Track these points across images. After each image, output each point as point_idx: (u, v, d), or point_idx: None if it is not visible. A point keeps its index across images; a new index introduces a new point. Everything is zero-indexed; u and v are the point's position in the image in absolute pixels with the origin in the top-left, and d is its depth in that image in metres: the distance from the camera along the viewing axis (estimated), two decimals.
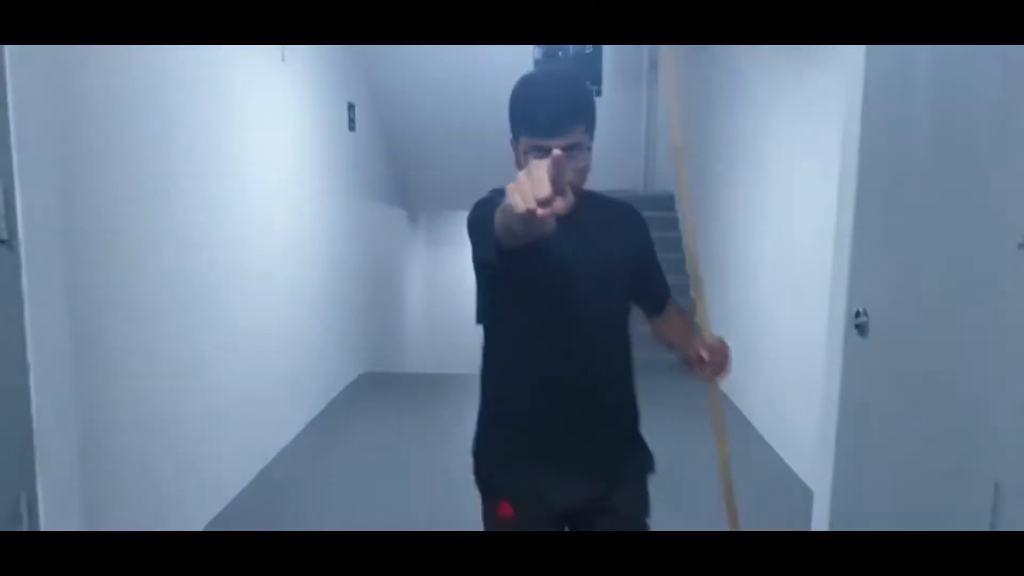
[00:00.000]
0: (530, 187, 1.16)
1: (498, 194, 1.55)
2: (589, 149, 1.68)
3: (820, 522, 2.45)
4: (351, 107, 5.83)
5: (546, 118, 1.62)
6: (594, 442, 1.83)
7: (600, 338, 1.85)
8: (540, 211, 1.15)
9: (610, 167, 9.53)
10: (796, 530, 3.00)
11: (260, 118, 4.00)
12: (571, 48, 9.39)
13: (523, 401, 1.81)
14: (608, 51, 9.22)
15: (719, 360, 1.90)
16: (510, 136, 1.72)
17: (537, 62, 8.19)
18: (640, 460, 2.00)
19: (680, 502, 3.73)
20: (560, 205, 1.15)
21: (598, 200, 1.85)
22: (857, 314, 2.17)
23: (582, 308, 1.77)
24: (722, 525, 3.40)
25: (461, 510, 3.62)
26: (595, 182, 1.78)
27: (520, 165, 1.69)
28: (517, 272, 1.65)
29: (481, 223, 1.60)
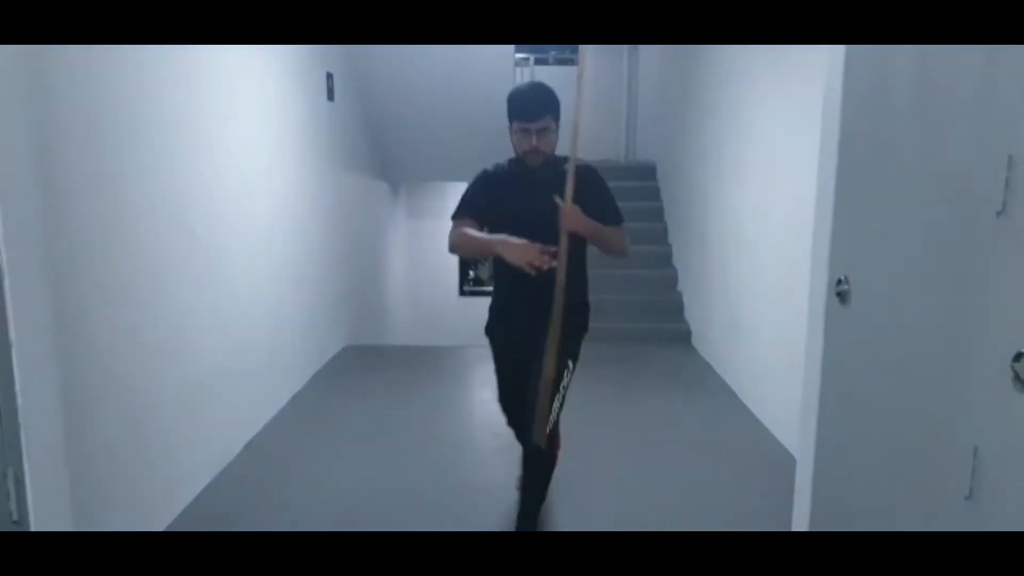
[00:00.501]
0: (524, 255, 2.44)
1: (485, 174, 2.84)
2: (556, 131, 2.67)
3: (803, 489, 2.49)
4: (330, 77, 5.78)
5: (527, 109, 2.61)
6: (541, 315, 2.61)
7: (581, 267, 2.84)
8: (530, 270, 2.46)
9: (591, 137, 9.53)
10: (779, 500, 3.04)
11: (238, 90, 3.96)
12: None
13: (503, 293, 2.94)
14: None
15: (568, 216, 2.53)
16: (507, 123, 2.66)
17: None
18: (575, 326, 2.82)
19: (650, 452, 3.78)
20: (542, 271, 2.45)
21: (562, 161, 2.62)
22: (839, 282, 2.20)
23: (540, 235, 2.52)
24: (687, 476, 3.45)
25: (447, 480, 3.66)
26: (579, 153, 2.56)
27: (512, 141, 2.69)
28: (501, 214, 2.69)
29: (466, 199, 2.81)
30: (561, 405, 2.71)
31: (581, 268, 2.85)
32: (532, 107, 2.60)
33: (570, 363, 2.74)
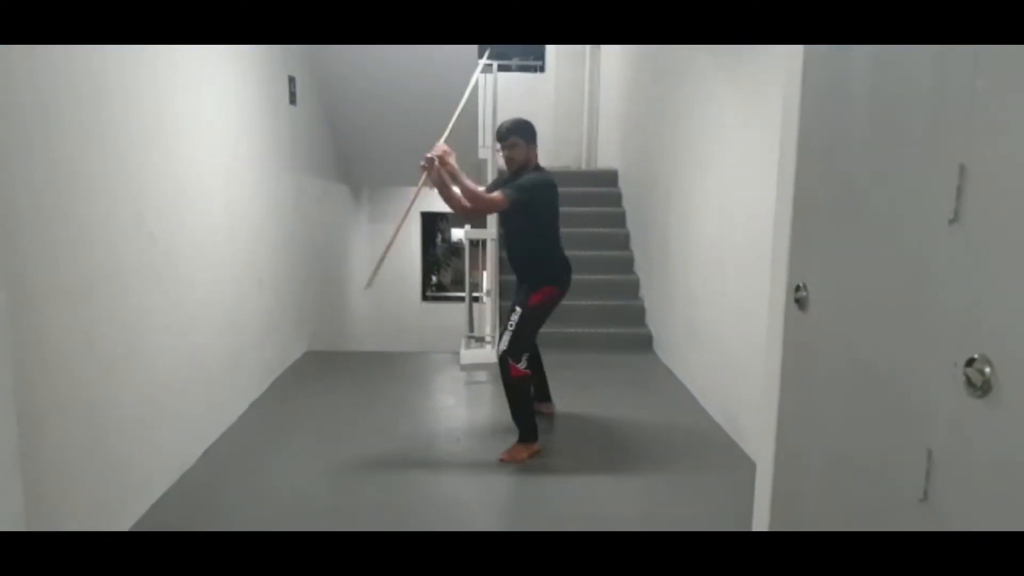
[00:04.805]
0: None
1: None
2: (523, 146, 3.96)
3: (763, 492, 2.52)
4: (292, 80, 5.74)
5: (499, 134, 3.99)
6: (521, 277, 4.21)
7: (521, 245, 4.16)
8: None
9: (554, 146, 9.57)
10: (739, 503, 3.08)
11: (198, 91, 3.91)
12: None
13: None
14: None
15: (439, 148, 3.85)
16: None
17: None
18: (531, 284, 4.10)
19: (617, 448, 3.81)
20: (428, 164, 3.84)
21: (530, 169, 4.01)
22: (797, 288, 2.23)
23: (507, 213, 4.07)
24: (652, 468, 3.49)
25: (408, 486, 3.64)
26: (542, 161, 3.31)
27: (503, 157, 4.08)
28: (552, 209, 4.07)
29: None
30: (510, 338, 3.95)
31: (523, 256, 4.16)
32: (502, 133, 3.96)
33: (517, 308, 4.03)
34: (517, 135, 3.92)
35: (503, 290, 6.22)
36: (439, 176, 3.79)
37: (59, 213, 2.65)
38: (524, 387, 4.03)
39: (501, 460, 3.95)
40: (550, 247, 4.13)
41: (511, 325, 3.98)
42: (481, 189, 4.01)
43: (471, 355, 5.95)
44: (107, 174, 2.96)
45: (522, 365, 3.96)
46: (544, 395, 4.64)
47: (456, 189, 3.84)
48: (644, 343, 6.42)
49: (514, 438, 4.06)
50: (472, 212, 4.02)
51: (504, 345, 3.96)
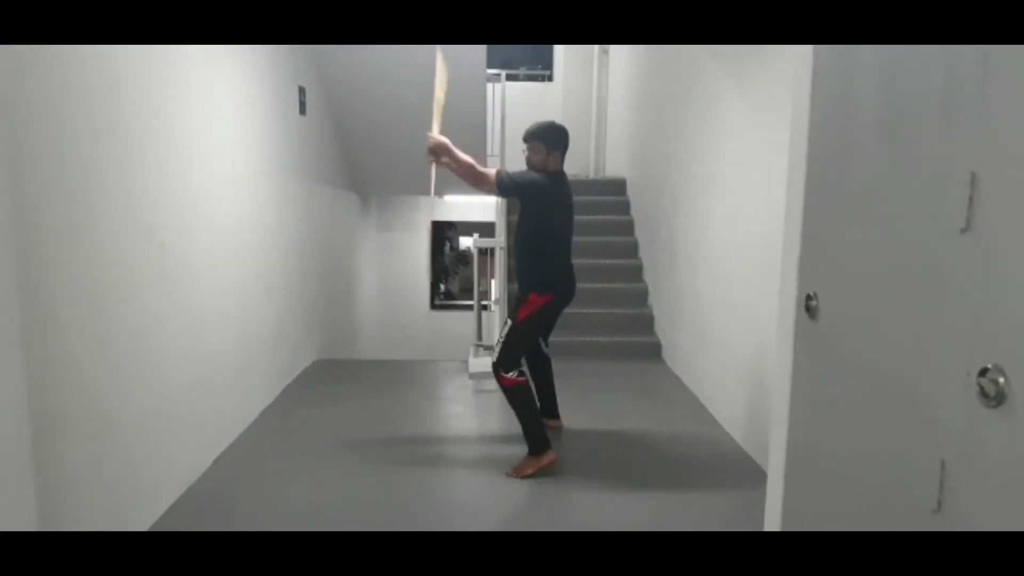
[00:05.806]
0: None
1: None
2: (540, 150, 3.98)
3: (774, 503, 2.51)
4: (302, 91, 5.76)
5: (525, 135, 4.06)
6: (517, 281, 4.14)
7: (516, 248, 4.13)
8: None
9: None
10: (750, 514, 3.06)
11: (209, 101, 3.93)
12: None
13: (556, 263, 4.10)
14: None
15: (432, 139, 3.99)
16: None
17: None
18: (520, 290, 4.07)
19: (621, 454, 3.80)
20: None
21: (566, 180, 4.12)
22: (808, 297, 2.22)
23: (564, 228, 4.14)
24: (654, 483, 3.47)
25: (419, 495, 3.64)
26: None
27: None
28: (547, 213, 4.01)
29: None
30: (500, 350, 3.93)
31: (516, 258, 4.16)
32: (526, 134, 4.03)
33: (508, 321, 4.04)
34: (539, 139, 3.96)
35: (511, 299, 6.22)
36: (445, 163, 3.94)
37: (70, 222, 2.67)
38: (521, 395, 3.90)
39: (507, 475, 3.88)
40: (542, 250, 4.02)
41: (502, 336, 3.97)
42: (489, 169, 3.99)
43: (479, 363, 5.94)
44: (117, 184, 2.98)
45: (512, 374, 3.88)
46: (552, 411, 4.55)
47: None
48: (653, 352, 6.41)
49: (523, 446, 4.05)
50: (478, 187, 3.99)
51: (495, 356, 3.96)
